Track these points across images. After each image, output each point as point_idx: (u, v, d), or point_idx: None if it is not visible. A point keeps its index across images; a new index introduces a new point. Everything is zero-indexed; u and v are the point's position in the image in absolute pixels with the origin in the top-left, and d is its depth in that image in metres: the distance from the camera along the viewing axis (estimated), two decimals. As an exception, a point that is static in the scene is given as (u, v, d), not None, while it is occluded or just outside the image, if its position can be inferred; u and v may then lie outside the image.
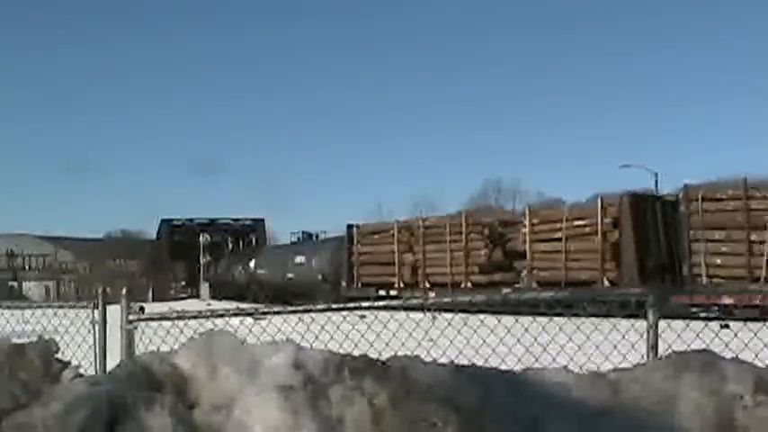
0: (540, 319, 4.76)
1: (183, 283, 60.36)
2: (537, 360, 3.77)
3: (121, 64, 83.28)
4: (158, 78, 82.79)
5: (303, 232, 43.62)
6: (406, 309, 4.80)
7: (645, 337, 3.62)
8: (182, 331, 4.14)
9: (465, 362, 3.42)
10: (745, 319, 6.85)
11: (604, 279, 19.16)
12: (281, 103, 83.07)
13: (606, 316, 4.34)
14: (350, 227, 27.84)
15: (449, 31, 79.74)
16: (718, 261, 17.17)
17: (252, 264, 40.52)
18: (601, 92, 76.38)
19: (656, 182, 31.57)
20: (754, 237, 16.45)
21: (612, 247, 19.21)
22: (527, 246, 20.94)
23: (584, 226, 19.99)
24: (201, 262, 50.19)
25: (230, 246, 51.64)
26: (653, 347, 3.56)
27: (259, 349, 3.18)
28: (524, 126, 78.78)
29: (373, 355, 3.28)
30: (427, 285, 23.69)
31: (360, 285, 26.51)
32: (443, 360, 3.36)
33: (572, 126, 78.76)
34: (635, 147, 69.28)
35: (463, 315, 5.07)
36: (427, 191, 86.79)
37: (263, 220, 51.50)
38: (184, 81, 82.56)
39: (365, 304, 4.09)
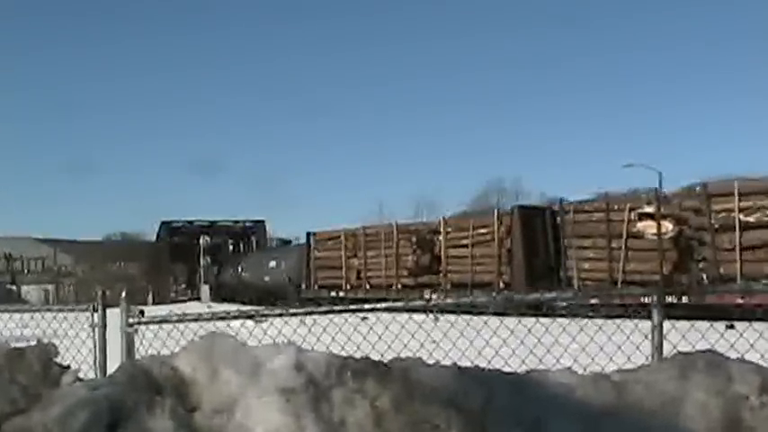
0: (543, 320, 4.75)
1: (184, 285, 60.38)
2: (540, 362, 3.77)
3: (120, 64, 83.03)
4: (157, 78, 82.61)
5: (278, 239, 46.09)
6: (409, 310, 4.81)
7: (649, 337, 3.62)
8: (182, 334, 4.14)
9: (468, 363, 3.42)
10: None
11: (500, 281, 21.94)
12: (281, 103, 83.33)
13: (610, 317, 4.34)
14: (309, 234, 31.09)
15: (450, 30, 79.82)
16: (587, 266, 19.60)
17: (240, 267, 42.94)
18: (604, 90, 76.26)
19: (660, 181, 31.56)
20: (614, 244, 18.91)
21: (507, 253, 22.05)
22: (442, 251, 24.06)
23: (486, 234, 22.81)
24: (201, 264, 50.23)
25: (230, 248, 51.73)
26: (657, 348, 3.55)
27: (260, 351, 3.18)
28: (527, 125, 78.61)
29: (375, 358, 3.28)
30: (368, 287, 26.89)
31: (316, 287, 29.80)
32: (446, 362, 3.37)
33: (575, 125, 78.66)
34: (639, 146, 69.25)
35: (466, 316, 5.08)
36: (430, 191, 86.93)
37: (263, 222, 51.49)
38: (184, 81, 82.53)
39: (367, 306, 4.10)
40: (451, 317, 5.60)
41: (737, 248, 16.34)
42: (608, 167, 75.58)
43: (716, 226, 16.96)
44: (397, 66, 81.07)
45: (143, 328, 4.50)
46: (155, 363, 3.20)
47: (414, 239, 25.38)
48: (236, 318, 4.40)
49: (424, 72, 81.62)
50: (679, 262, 17.89)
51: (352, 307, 4.06)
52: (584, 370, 3.41)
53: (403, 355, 3.35)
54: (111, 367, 3.73)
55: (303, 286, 30.84)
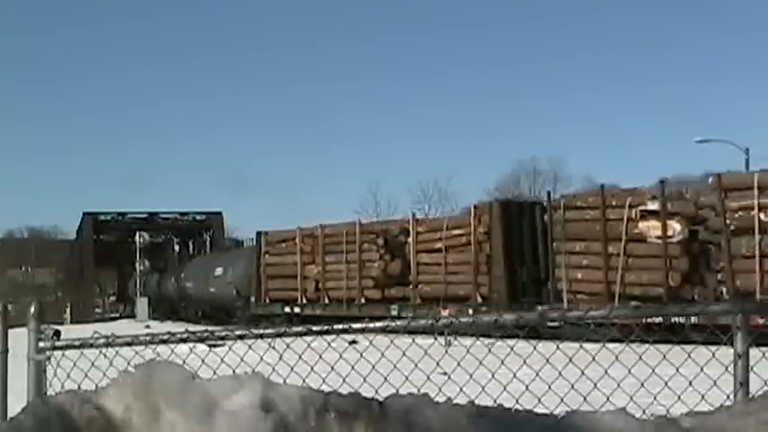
0: (588, 345, 4.75)
1: (113, 298, 60.39)
2: (585, 400, 3.77)
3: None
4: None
5: (230, 239, 46.76)
6: (411, 332, 4.80)
7: (730, 369, 3.61)
8: (111, 363, 4.13)
9: (489, 402, 3.42)
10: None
11: (477, 294, 22.64)
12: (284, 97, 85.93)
13: (681, 342, 4.34)
14: (259, 234, 31.90)
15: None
16: (579, 275, 20.30)
17: (183, 275, 43.82)
18: (668, 56, 77.14)
19: (747, 161, 31.61)
20: (611, 249, 19.56)
21: (487, 260, 22.79)
22: (411, 257, 24.84)
23: (461, 236, 23.51)
24: (137, 270, 50.22)
25: (176, 248, 51.72)
26: (743, 384, 3.55)
27: (215, 386, 3.17)
28: (570, 95, 79.73)
29: (367, 393, 3.27)
30: (326, 301, 27.72)
31: (268, 301, 30.53)
32: (460, 400, 3.36)
33: (635, 93, 79.51)
34: (715, 120, 69.98)
35: (487, 340, 5.07)
36: (442, 177, 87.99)
37: (220, 214, 51.49)
38: (179, 74, 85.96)
39: (356, 326, 4.10)
40: (467, 340, 5.59)
41: (757, 256, 16.95)
42: (680, 146, 76.68)
43: (732, 227, 17.51)
44: (398, 37, 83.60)
45: (58, 354, 4.47)
46: (74, 401, 3.19)
47: (381, 242, 25.98)
48: (183, 341, 4.38)
49: (429, 30, 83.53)
50: (690, 272, 18.48)
51: (338, 327, 4.05)
52: (644, 412, 3.41)
53: (403, 391, 3.34)
54: (15, 407, 3.71)
55: (253, 300, 31.61)
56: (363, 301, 26.16)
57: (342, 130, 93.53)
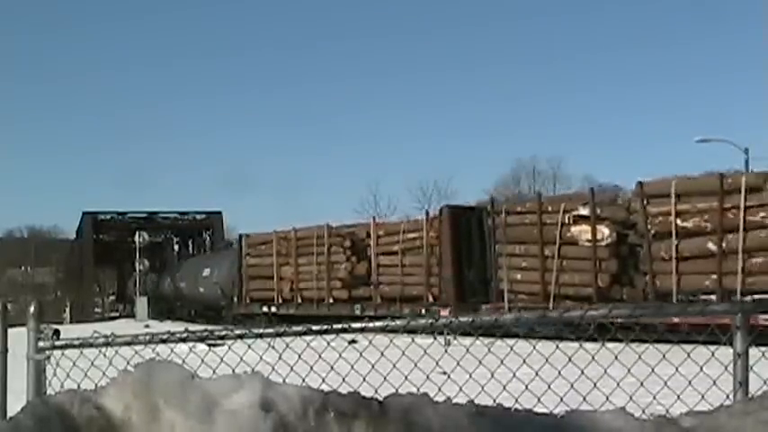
0: (588, 345, 4.75)
1: (113, 297, 60.37)
2: (584, 400, 3.76)
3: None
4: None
5: (223, 240, 48.04)
6: (410, 331, 4.80)
7: (731, 369, 3.61)
8: (110, 362, 4.13)
9: (488, 402, 3.42)
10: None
11: (429, 295, 24.11)
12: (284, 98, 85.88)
13: (681, 342, 4.34)
14: (241, 237, 33.55)
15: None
16: (519, 276, 21.63)
17: (178, 275, 45.11)
18: (668, 55, 77.17)
19: (747, 160, 31.64)
20: (547, 252, 20.73)
21: (438, 262, 24.06)
22: (372, 259, 26.28)
23: (416, 239, 25.00)
24: (137, 269, 50.18)
25: (176, 248, 51.73)
26: (742, 383, 3.54)
27: (215, 386, 3.17)
28: (571, 94, 79.67)
29: (367, 393, 3.27)
30: (299, 301, 29.17)
31: (248, 301, 32.18)
32: (459, 399, 3.36)
33: (636, 93, 79.53)
34: (715, 120, 70.11)
35: (487, 340, 5.07)
36: (443, 176, 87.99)
37: (219, 213, 51.55)
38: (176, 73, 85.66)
39: (355, 325, 4.10)
40: (467, 339, 5.60)
41: (674, 258, 18.15)
42: (680, 146, 76.87)
43: (652, 232, 18.71)
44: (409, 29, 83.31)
45: (58, 354, 4.47)
46: (74, 400, 3.18)
47: (347, 244, 27.33)
48: (182, 340, 4.38)
49: (428, 28, 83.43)
50: (619, 273, 19.70)
51: (337, 326, 4.05)
52: (644, 411, 3.41)
53: (403, 391, 3.34)
54: (14, 407, 3.71)
55: (235, 300, 33.17)
56: (332, 300, 27.55)
57: (342, 130, 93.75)
